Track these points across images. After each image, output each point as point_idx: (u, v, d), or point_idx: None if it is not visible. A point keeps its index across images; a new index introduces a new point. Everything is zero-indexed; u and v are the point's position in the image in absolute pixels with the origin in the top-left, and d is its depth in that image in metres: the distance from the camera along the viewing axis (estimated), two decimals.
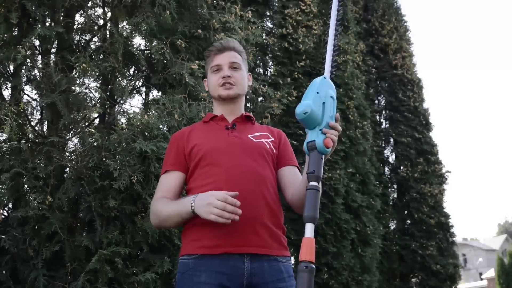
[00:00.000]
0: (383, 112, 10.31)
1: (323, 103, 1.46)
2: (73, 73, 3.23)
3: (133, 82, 3.68)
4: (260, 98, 5.06)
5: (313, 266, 1.29)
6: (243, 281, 1.51)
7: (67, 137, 3.22)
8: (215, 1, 3.92)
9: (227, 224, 1.48)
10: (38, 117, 3.46)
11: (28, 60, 3.09)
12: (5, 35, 3.04)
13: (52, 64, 3.09)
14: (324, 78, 1.52)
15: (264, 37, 6.17)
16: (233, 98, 1.73)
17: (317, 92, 1.46)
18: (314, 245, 1.32)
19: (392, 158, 10.08)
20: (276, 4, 6.60)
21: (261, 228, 1.55)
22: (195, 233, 1.56)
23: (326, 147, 1.42)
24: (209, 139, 1.66)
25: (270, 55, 6.51)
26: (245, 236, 1.52)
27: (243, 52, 1.80)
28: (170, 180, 1.66)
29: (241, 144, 1.65)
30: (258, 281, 1.52)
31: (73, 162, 3.08)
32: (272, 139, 1.74)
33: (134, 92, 3.76)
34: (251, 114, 1.82)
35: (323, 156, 1.44)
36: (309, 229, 1.35)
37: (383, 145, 10.01)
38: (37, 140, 3.31)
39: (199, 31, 3.60)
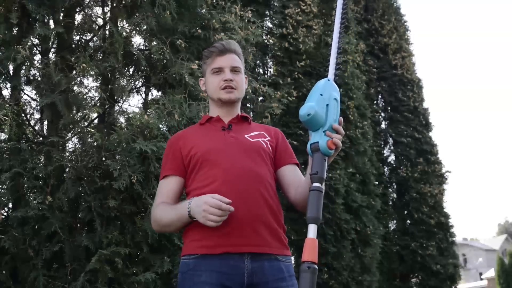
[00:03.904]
0: (383, 112, 10.31)
1: (327, 105, 1.47)
2: (73, 73, 3.23)
3: (133, 82, 3.68)
4: (260, 98, 5.06)
5: (316, 266, 1.30)
6: (244, 280, 1.51)
7: (67, 137, 3.22)
8: (215, 1, 3.92)
9: (228, 225, 1.49)
10: (38, 117, 3.46)
11: (28, 60, 3.08)
12: (5, 34, 3.03)
13: (51, 64, 3.09)
14: (328, 80, 1.53)
15: (264, 37, 6.16)
16: (233, 101, 1.73)
17: (321, 94, 1.47)
18: (317, 245, 1.34)
19: (391, 158, 10.08)
20: (276, 4, 6.60)
21: (261, 227, 1.55)
22: (196, 234, 1.56)
23: (330, 149, 1.44)
24: (206, 140, 1.66)
25: (270, 55, 6.51)
26: (245, 236, 1.52)
27: (241, 54, 1.80)
28: (169, 186, 1.67)
29: (238, 144, 1.65)
30: (259, 281, 1.52)
31: (73, 162, 3.07)
32: (269, 138, 1.74)
33: (134, 92, 3.76)
34: (247, 114, 1.82)
35: (327, 158, 1.45)
36: (312, 230, 1.37)
37: (383, 145, 10.01)
38: (36, 140, 3.31)
39: (199, 31, 3.60)
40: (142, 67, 3.62)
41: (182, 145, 1.68)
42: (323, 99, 1.47)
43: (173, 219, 1.57)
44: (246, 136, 1.70)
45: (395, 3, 10.90)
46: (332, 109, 1.48)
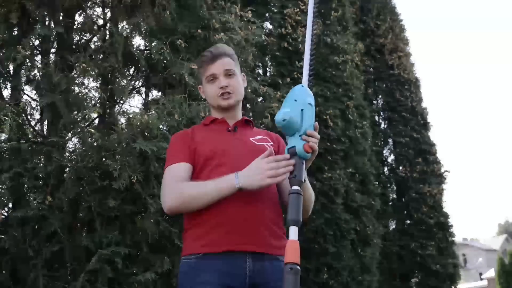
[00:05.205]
0: (381, 113, 10.31)
1: (302, 110, 1.52)
2: (73, 73, 3.23)
3: (133, 82, 3.68)
4: (260, 98, 5.07)
5: (298, 267, 1.32)
6: (246, 280, 1.51)
7: (67, 137, 3.22)
8: (215, 1, 3.92)
9: (230, 223, 1.50)
10: (38, 117, 3.46)
11: (28, 60, 3.09)
12: (5, 35, 3.04)
13: (52, 64, 3.10)
14: (302, 86, 1.57)
15: (263, 37, 6.17)
16: (232, 106, 1.75)
17: (295, 100, 1.52)
18: (299, 247, 1.36)
19: (391, 158, 10.08)
20: (275, 4, 6.60)
21: (264, 228, 1.56)
22: (197, 233, 1.56)
23: (307, 152, 1.48)
24: (213, 140, 1.67)
25: (269, 55, 6.51)
26: (248, 235, 1.52)
27: (233, 55, 1.79)
28: (186, 170, 1.61)
29: (244, 146, 1.67)
30: (260, 281, 1.52)
31: (73, 162, 3.08)
32: (272, 143, 1.77)
33: (134, 92, 3.77)
34: (250, 119, 1.83)
35: (304, 161, 1.49)
36: (293, 232, 1.39)
37: (382, 145, 10.01)
38: (37, 140, 3.31)
39: (199, 31, 3.61)
40: (142, 67, 3.62)
41: (190, 140, 1.68)
42: (297, 104, 1.51)
43: (210, 190, 1.51)
44: (251, 139, 1.72)
45: (390, 3, 10.87)
46: (307, 114, 1.52)
